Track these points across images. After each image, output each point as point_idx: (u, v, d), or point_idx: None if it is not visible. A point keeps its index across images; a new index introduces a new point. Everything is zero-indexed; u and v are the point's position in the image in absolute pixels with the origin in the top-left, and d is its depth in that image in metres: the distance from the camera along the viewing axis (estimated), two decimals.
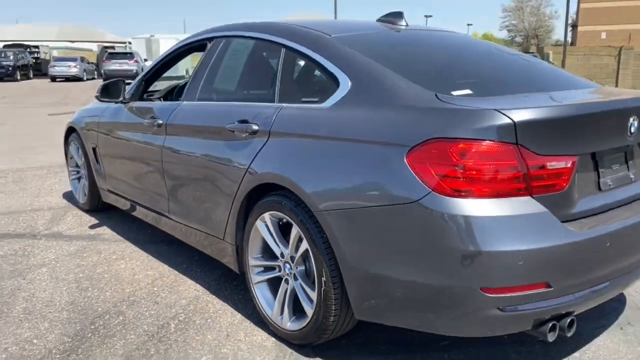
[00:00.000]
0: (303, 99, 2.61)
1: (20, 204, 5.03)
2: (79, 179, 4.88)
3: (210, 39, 3.38)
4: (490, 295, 1.91)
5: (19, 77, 30.48)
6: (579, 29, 44.19)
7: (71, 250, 3.83)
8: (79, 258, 3.67)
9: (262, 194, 2.59)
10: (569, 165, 2.01)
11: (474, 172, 1.91)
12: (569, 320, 2.03)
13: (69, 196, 5.21)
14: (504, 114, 1.91)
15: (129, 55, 28.95)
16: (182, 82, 4.16)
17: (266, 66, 3.00)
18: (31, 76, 32.66)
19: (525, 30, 61.41)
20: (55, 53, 37.43)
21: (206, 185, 2.98)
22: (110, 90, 3.90)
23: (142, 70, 29.17)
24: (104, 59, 31.03)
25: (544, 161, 1.96)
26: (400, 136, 2.06)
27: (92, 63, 34.62)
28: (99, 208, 4.67)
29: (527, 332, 2.05)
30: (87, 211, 4.74)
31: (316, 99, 2.50)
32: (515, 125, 1.90)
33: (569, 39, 53.37)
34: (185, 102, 3.32)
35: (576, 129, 2.08)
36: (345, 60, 2.47)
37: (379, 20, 3.18)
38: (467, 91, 2.23)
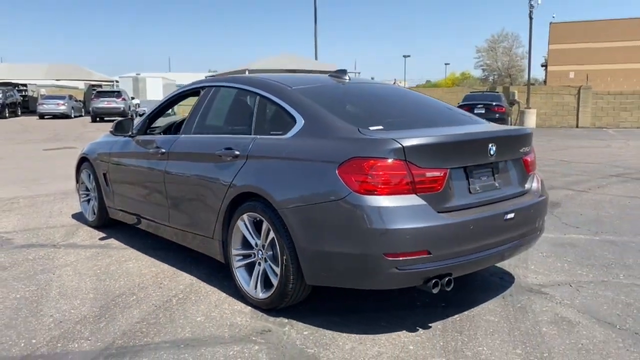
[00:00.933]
0: (271, 132, 3.63)
1: (36, 222, 5.93)
2: (88, 200, 5.81)
3: (202, 88, 4.42)
4: (390, 259, 2.91)
5: (7, 115, 31.31)
6: (549, 68, 46.55)
7: (87, 255, 4.75)
8: (94, 260, 4.59)
9: (241, 201, 3.58)
10: (442, 175, 3.05)
11: (378, 179, 2.94)
12: (447, 279, 3.04)
13: (77, 217, 6.12)
14: (397, 141, 2.96)
15: (116, 94, 29.97)
16: (178, 120, 5.16)
17: (245, 108, 4.03)
18: (19, 113, 33.49)
19: (499, 70, 64.07)
20: (43, 91, 38.38)
21: (199, 197, 3.96)
22: (123, 126, 4.90)
23: (129, 107, 30.26)
24: (92, 97, 32.05)
25: (424, 172, 3.00)
26: (334, 156, 3.08)
27: (79, 101, 35.61)
28: (106, 224, 5.59)
29: (419, 286, 3.04)
30: (96, 227, 5.65)
31: (280, 132, 3.52)
32: (404, 149, 2.94)
33: (542, 78, 55.78)
34: (183, 135, 4.32)
35: (448, 151, 3.13)
36: (301, 105, 3.51)
37: (330, 75, 4.25)
38: (380, 127, 3.28)
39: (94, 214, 5.65)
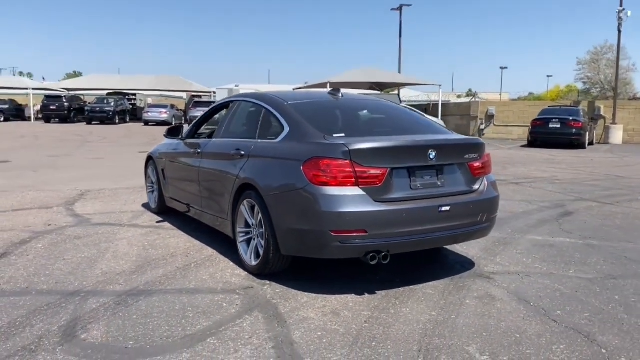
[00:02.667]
0: (268, 137, 4.64)
1: (112, 208, 7.34)
2: (152, 191, 7.12)
3: (232, 102, 5.53)
4: (334, 235, 3.80)
5: (117, 121, 34.89)
6: None
7: (142, 232, 5.99)
8: (146, 236, 5.82)
9: (244, 190, 4.60)
10: (381, 173, 3.90)
11: (329, 174, 3.84)
12: (383, 254, 3.87)
13: (145, 205, 7.46)
14: (345, 146, 3.85)
15: (211, 104, 32.43)
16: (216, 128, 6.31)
17: (255, 118, 5.06)
18: (127, 120, 37.12)
19: (601, 83, 60.91)
20: (150, 100, 42.14)
21: (219, 187, 5.04)
22: (173, 131, 6.12)
23: None
24: (190, 106, 34.85)
25: (366, 169, 3.86)
26: (301, 155, 4.03)
27: (180, 110, 38.76)
28: (164, 211, 6.85)
29: (361, 258, 3.90)
30: (156, 213, 6.93)
31: (273, 137, 4.52)
32: (350, 151, 3.83)
33: None
34: (213, 139, 5.44)
35: (388, 154, 3.97)
36: (289, 116, 4.49)
37: (328, 92, 5.19)
38: (342, 134, 4.17)
39: (156, 202, 6.93)
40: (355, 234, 3.83)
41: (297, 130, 4.34)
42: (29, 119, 38.80)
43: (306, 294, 4.05)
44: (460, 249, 5.33)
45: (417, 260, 4.96)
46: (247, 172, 4.54)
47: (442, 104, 29.69)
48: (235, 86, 43.05)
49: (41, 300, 3.88)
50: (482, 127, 26.58)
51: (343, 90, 5.25)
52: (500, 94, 69.83)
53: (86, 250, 5.20)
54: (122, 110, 36.57)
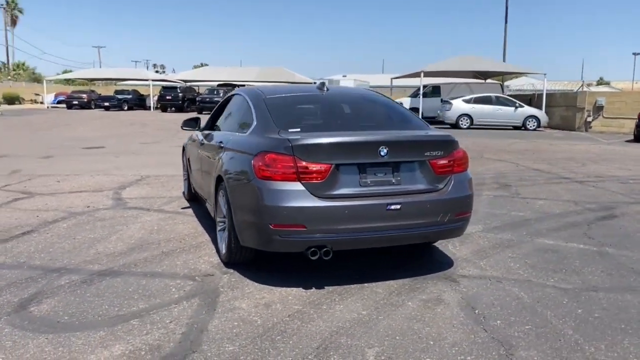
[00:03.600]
0: (242, 131, 4.77)
1: (155, 193, 7.89)
2: (185, 179, 7.57)
3: (233, 95, 5.74)
4: (274, 228, 3.86)
5: None
6: None
7: (161, 217, 6.42)
8: (161, 221, 6.22)
9: (220, 182, 4.78)
10: (324, 168, 3.88)
11: (273, 168, 3.91)
12: (324, 250, 3.87)
13: (182, 192, 7.94)
14: (289, 141, 3.89)
15: None
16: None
17: (240, 112, 5.22)
18: None
19: None
20: None
21: (207, 178, 5.28)
22: (190, 123, 6.46)
23: None
24: None
25: (308, 165, 3.87)
26: (253, 150, 4.13)
27: None
28: (194, 199, 7.26)
29: (303, 252, 3.92)
30: (188, 200, 7.36)
31: (245, 131, 4.65)
32: (292, 147, 3.86)
33: None
34: (214, 131, 5.69)
35: (334, 150, 3.94)
36: (260, 111, 4.60)
37: (317, 87, 5.20)
38: (298, 129, 4.19)
39: (187, 190, 7.36)
40: (294, 229, 3.87)
41: (261, 124, 4.43)
42: (149, 108, 42.12)
43: (256, 284, 4.17)
44: (452, 248, 5.14)
45: (396, 256, 4.87)
46: (221, 164, 4.72)
47: (549, 94, 27.79)
48: (343, 76, 43.39)
49: (25, 274, 4.36)
50: (590, 119, 24.57)
51: (343, 83, 5.26)
52: (633, 83, 63.71)
53: (99, 232, 5.70)
54: None
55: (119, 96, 42.22)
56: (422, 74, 26.54)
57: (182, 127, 6.59)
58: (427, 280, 4.28)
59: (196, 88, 44.05)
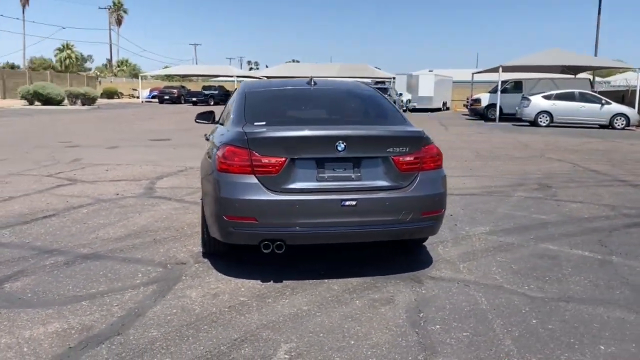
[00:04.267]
0: (224, 123, 4.85)
1: (186, 184, 8.21)
2: None
3: (236, 90, 5.85)
4: (228, 220, 3.92)
5: None
6: None
7: (176, 207, 6.67)
8: (174, 210, 6.47)
9: None
10: (278, 162, 3.87)
11: (230, 161, 3.96)
12: (277, 243, 3.88)
13: None
14: (245, 134, 3.92)
15: (383, 90, 32.88)
16: None
17: (230, 105, 5.31)
18: None
19: None
20: None
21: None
22: (204, 116, 6.65)
23: (397, 102, 32.81)
24: None
25: (262, 159, 3.88)
26: (219, 142, 4.20)
27: None
28: None
29: (258, 244, 3.95)
30: None
31: (225, 124, 4.74)
32: (248, 141, 3.89)
33: None
34: (217, 124, 5.84)
35: (289, 145, 3.92)
36: (238, 104, 4.66)
37: (306, 82, 5.18)
38: (263, 123, 4.21)
39: None
40: (245, 221, 3.90)
41: (235, 118, 4.50)
42: None
43: (219, 275, 4.25)
44: (441, 248, 4.95)
45: (378, 252, 4.77)
46: (204, 156, 4.84)
47: None
48: (429, 71, 42.61)
49: (21, 254, 4.72)
50: None
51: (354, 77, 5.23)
52: None
53: (110, 218, 6.04)
54: None
55: (206, 92, 44.16)
56: (500, 69, 25.45)
57: (195, 120, 6.80)
58: (390, 280, 4.16)
59: None
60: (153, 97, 50.70)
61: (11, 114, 26.57)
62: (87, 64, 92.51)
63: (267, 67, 71.61)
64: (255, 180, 3.92)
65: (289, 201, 3.89)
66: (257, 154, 3.92)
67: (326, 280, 4.13)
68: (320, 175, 4.00)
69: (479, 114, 28.13)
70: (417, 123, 4.67)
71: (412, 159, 4.13)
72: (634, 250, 5.02)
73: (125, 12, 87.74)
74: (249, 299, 3.79)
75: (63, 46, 77.71)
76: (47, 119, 23.52)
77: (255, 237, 3.95)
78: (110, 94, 52.37)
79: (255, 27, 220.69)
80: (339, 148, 3.97)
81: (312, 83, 5.07)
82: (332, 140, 3.99)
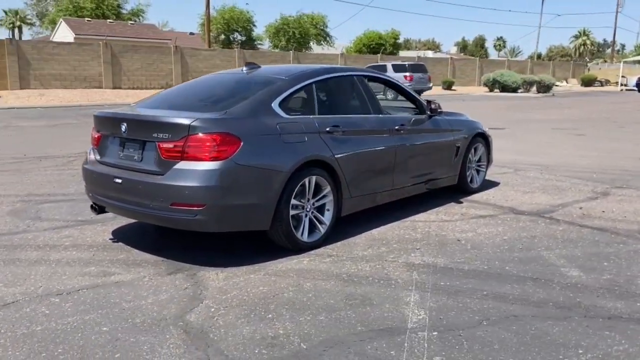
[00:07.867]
0: None
1: None
2: None
3: None
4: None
5: None
6: None
7: None
8: None
9: None
10: (96, 137, 4.73)
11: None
12: (93, 206, 4.79)
13: None
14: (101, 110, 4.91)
15: None
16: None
17: None
18: None
19: None
20: None
21: None
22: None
23: None
24: None
25: (93, 133, 4.82)
26: None
27: None
28: None
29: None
30: None
31: None
32: (96, 116, 4.82)
33: None
34: None
35: (102, 122, 4.70)
36: None
37: (246, 66, 5.30)
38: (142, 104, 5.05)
39: None
40: (85, 185, 4.87)
41: None
42: None
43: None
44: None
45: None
46: None
47: None
48: None
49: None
50: None
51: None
52: None
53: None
54: None
55: None
56: None
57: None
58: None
59: None
60: (637, 84, 45.29)
61: (470, 99, 29.11)
62: (608, 51, 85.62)
63: None
64: (94, 152, 4.78)
65: (90, 171, 4.64)
66: (95, 129, 4.77)
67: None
68: (120, 153, 4.47)
69: None
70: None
71: (171, 146, 4.07)
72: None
73: None
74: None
75: (580, 32, 76.95)
76: (479, 105, 24.65)
77: (90, 200, 4.84)
78: (588, 82, 49.70)
79: None
80: (122, 129, 4.34)
81: (247, 70, 5.23)
82: (118, 122, 4.39)
